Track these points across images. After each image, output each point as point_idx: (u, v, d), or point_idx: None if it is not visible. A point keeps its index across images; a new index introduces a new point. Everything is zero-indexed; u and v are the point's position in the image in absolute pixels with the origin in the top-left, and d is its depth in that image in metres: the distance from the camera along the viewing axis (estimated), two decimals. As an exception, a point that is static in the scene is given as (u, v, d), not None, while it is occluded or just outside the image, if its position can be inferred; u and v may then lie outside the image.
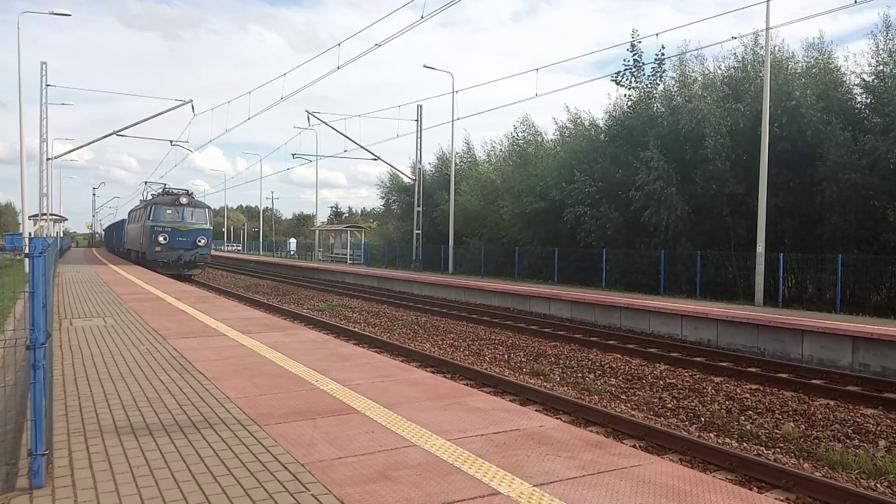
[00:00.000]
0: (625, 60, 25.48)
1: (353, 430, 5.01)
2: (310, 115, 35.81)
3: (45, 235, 34.34)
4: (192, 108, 32.56)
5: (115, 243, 52.42)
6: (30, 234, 29.86)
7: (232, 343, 9.11)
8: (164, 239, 29.73)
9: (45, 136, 32.62)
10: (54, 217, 49.64)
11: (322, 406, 5.72)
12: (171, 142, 38.36)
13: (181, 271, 30.25)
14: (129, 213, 42.83)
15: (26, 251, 4.27)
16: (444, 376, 9.93)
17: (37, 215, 38.35)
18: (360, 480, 3.98)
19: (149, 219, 30.66)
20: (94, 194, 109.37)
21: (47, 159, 33.66)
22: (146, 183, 40.99)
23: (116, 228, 54.60)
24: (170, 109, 32.89)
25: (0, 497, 3.70)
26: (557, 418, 7.71)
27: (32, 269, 3.98)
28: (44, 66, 31.96)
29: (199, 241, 30.66)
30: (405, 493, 3.79)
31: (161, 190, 35.27)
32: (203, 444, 4.66)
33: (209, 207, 32.78)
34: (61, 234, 59.07)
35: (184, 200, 31.05)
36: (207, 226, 31.69)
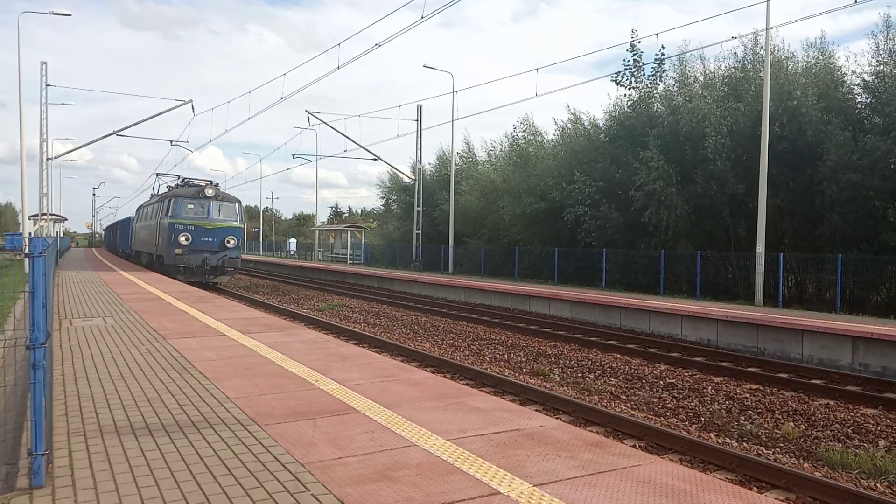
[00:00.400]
0: (625, 60, 25.48)
1: (353, 430, 5.01)
2: (310, 115, 35.83)
3: (45, 235, 34.33)
4: (192, 108, 32.58)
5: (120, 244, 47.26)
6: (30, 233, 29.86)
7: (232, 343, 9.11)
8: (186, 239, 24.46)
9: (45, 136, 32.66)
10: (54, 217, 49.66)
11: (322, 406, 5.72)
12: (171, 142, 38.28)
13: (206, 279, 25.14)
14: (138, 210, 36.70)
15: (26, 251, 4.27)
16: (444, 376, 9.93)
17: (37, 215, 38.36)
18: (360, 480, 3.98)
19: (167, 214, 25.34)
20: (94, 194, 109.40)
21: (47, 159, 33.68)
22: (158, 174, 35.28)
23: (121, 227, 49.33)
24: (170, 109, 32.90)
25: (0, 497, 3.69)
26: (557, 418, 7.71)
27: (32, 269, 3.98)
28: (44, 66, 31.99)
29: (228, 242, 25.25)
30: (405, 492, 3.79)
31: (179, 180, 29.50)
32: (203, 444, 4.66)
33: (239, 201, 27.02)
34: (61, 234, 59.09)
35: (209, 192, 25.62)
36: (238, 223, 26.30)
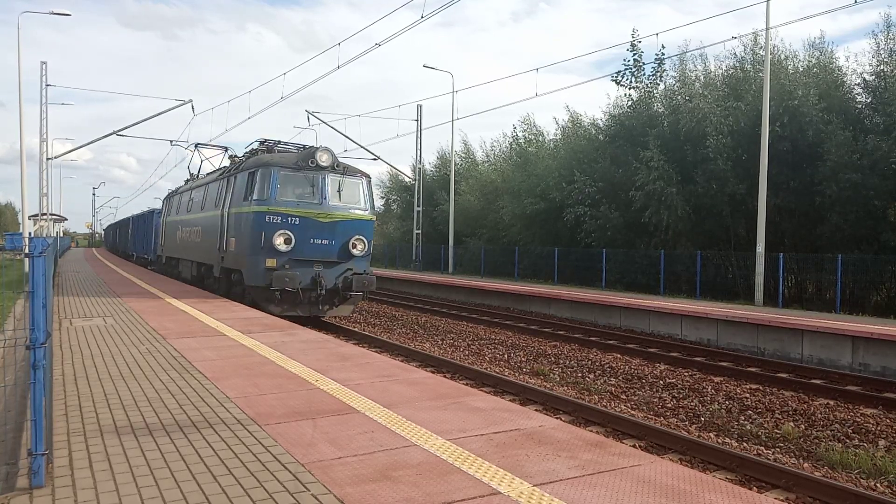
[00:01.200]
0: (625, 60, 25.53)
1: (353, 429, 5.01)
2: (310, 115, 35.74)
3: (45, 235, 34.31)
4: (192, 108, 32.46)
5: (134, 247, 38.32)
6: (30, 233, 29.82)
7: (232, 343, 9.11)
8: (287, 242, 14.02)
9: (45, 136, 32.65)
10: (54, 217, 49.62)
11: (322, 406, 5.71)
12: (171, 142, 38.02)
13: (319, 310, 14.75)
14: (169, 198, 25.68)
15: (26, 251, 4.27)
16: (444, 376, 9.94)
17: (37, 215, 38.37)
18: (360, 480, 3.97)
19: (247, 198, 14.65)
20: (93, 194, 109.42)
21: (47, 159, 33.65)
22: (197, 146, 23.33)
23: (134, 225, 40.13)
24: (170, 109, 32.73)
25: (0, 497, 3.69)
26: (557, 418, 7.71)
27: (32, 268, 3.98)
28: (44, 66, 31.97)
29: (355, 247, 14.69)
30: (405, 492, 3.79)
31: (257, 144, 17.26)
32: (203, 444, 4.65)
33: (368, 177, 15.68)
34: (61, 234, 59.06)
35: (324, 159, 14.63)
36: (369, 214, 15.33)
